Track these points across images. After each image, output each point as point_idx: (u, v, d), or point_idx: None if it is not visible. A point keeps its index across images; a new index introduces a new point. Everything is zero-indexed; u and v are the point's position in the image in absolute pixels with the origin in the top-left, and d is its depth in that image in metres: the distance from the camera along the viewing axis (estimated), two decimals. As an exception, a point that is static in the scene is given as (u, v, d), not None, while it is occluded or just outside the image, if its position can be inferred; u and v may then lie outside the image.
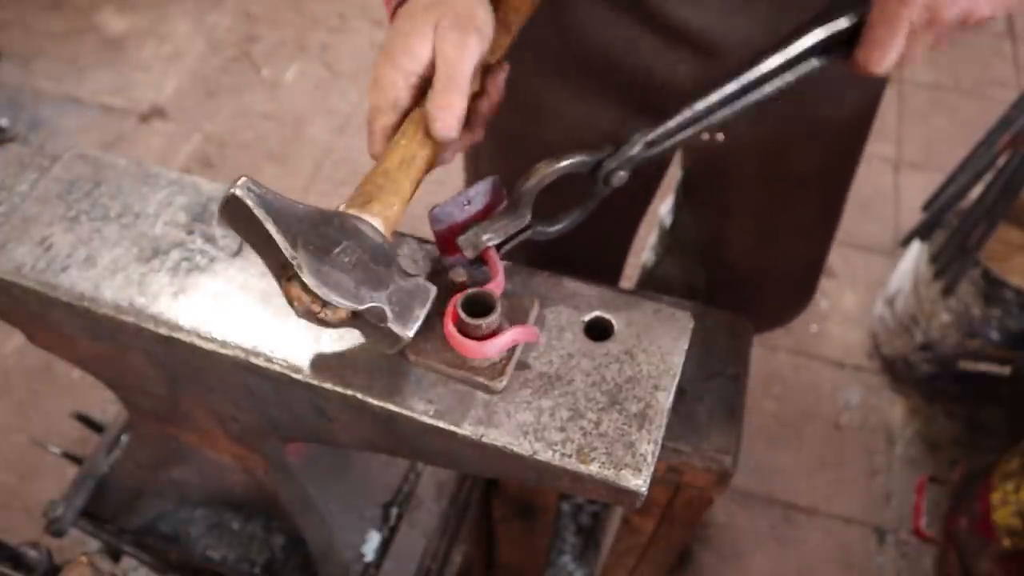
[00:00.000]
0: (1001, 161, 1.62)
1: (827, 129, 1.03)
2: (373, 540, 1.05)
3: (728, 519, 1.86)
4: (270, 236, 0.54)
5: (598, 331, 0.66)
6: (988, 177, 1.66)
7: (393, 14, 0.67)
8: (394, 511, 1.08)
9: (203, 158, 2.51)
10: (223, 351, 0.65)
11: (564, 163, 0.62)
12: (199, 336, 0.65)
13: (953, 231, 1.74)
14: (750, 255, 1.23)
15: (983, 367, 1.87)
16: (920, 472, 1.92)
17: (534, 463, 0.59)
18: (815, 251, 1.31)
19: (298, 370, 0.63)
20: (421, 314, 0.60)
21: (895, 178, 2.53)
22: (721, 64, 0.87)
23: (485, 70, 0.68)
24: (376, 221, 0.61)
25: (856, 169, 1.18)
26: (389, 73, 0.64)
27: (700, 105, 0.62)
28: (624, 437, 0.59)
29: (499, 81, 0.69)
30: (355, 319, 0.58)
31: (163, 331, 0.66)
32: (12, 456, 1.90)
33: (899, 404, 2.06)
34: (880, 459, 1.97)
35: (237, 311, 0.67)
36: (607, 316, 0.66)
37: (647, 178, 1.15)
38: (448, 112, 0.63)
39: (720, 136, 1.00)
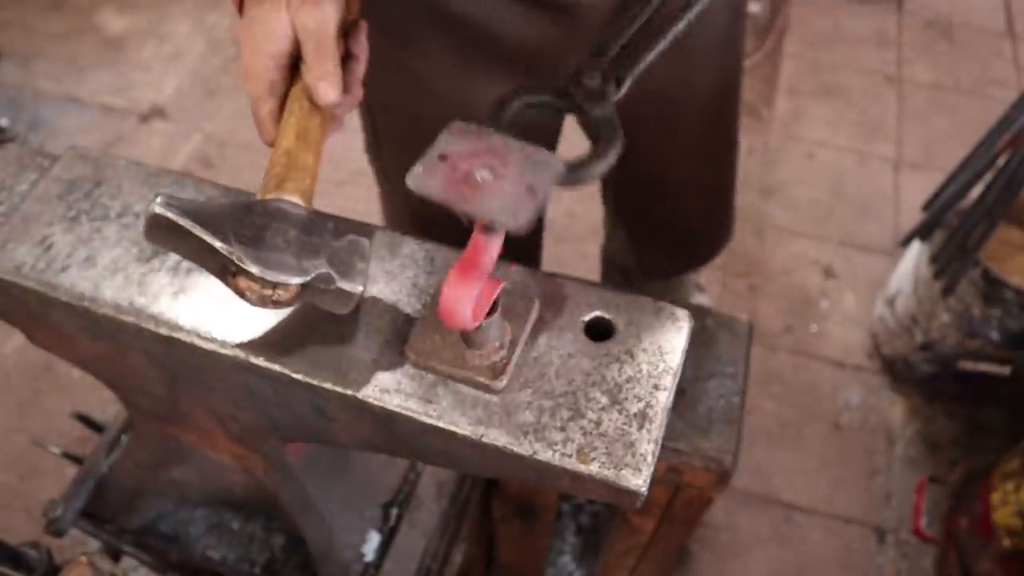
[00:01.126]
0: (1001, 161, 1.62)
1: (699, 69, 1.11)
2: (373, 540, 1.05)
3: (728, 519, 1.86)
4: (203, 241, 0.55)
5: (598, 331, 0.66)
6: (988, 177, 1.66)
7: (240, 4, 0.69)
8: (394, 511, 1.08)
9: (203, 158, 2.51)
10: (223, 351, 0.65)
11: (527, 98, 0.62)
12: (199, 336, 0.65)
13: (953, 231, 1.73)
14: (652, 201, 1.34)
15: (983, 367, 1.87)
16: (920, 472, 1.92)
17: (534, 463, 0.59)
18: (718, 182, 1.40)
19: (298, 370, 0.63)
20: (364, 267, 0.63)
21: (895, 178, 2.53)
22: (583, 23, 0.93)
23: (345, 33, 0.70)
24: (294, 198, 0.63)
25: (738, 101, 1.26)
26: (258, 61, 0.66)
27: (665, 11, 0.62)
28: (624, 437, 0.59)
29: (362, 40, 0.72)
30: (305, 291, 0.60)
31: (163, 331, 0.66)
32: (12, 456, 1.90)
33: (899, 404, 2.06)
34: (880, 459, 1.97)
35: (237, 311, 0.67)
36: (607, 316, 0.66)
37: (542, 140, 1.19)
38: (326, 79, 0.65)
39: None
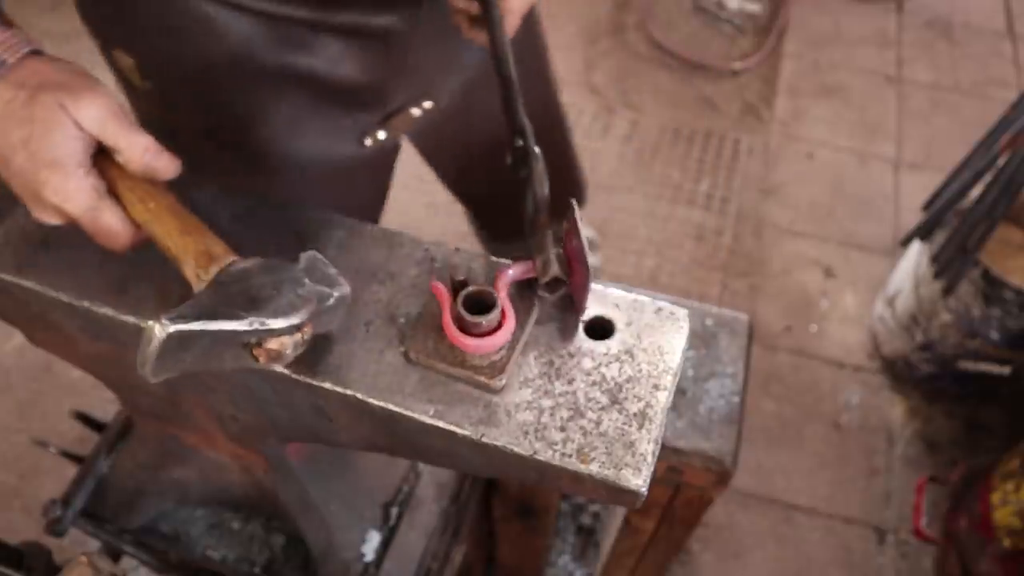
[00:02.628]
0: (1001, 161, 1.62)
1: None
2: (373, 540, 1.05)
3: (728, 519, 1.86)
4: (222, 332, 0.55)
5: (598, 331, 0.66)
6: (988, 177, 1.66)
7: None
8: (394, 511, 1.08)
9: (203, 158, 2.51)
10: (223, 351, 0.65)
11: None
12: (199, 336, 0.65)
13: (953, 231, 1.74)
14: (484, 195, 1.44)
15: (983, 367, 1.87)
16: (920, 472, 1.92)
17: (534, 463, 0.59)
18: (553, 153, 1.47)
19: (298, 370, 0.63)
20: (334, 271, 0.63)
21: (895, 178, 2.54)
22: (398, 51, 0.95)
23: None
24: (230, 259, 0.61)
25: (554, 83, 1.34)
26: (69, 176, 0.62)
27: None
28: (624, 437, 0.59)
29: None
30: (314, 319, 0.61)
31: (163, 331, 0.66)
32: (12, 456, 1.90)
33: (899, 404, 2.06)
34: (880, 459, 1.97)
35: (237, 311, 0.67)
36: (607, 316, 0.66)
37: (386, 153, 1.19)
38: (152, 152, 0.63)
39: (428, 103, 1.08)
